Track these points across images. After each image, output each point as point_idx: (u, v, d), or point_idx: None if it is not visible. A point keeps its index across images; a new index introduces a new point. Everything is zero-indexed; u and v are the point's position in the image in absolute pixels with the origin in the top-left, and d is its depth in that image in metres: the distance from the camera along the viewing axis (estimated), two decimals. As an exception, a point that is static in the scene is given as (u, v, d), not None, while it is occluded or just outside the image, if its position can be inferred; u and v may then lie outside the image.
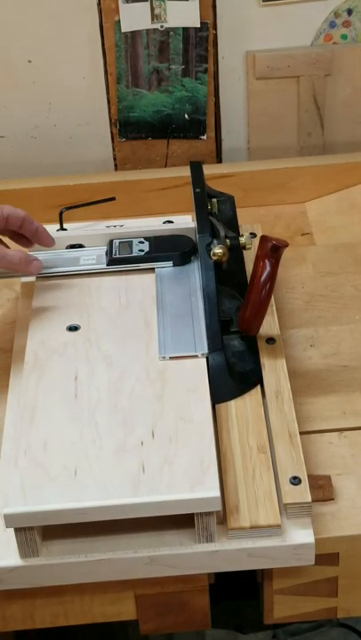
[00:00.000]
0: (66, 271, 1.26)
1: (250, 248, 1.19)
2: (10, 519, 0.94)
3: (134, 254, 1.26)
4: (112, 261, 1.26)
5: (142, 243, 1.28)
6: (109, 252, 1.27)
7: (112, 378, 1.09)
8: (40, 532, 0.97)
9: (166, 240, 1.29)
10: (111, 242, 1.28)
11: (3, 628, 1.05)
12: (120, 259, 1.26)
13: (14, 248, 1.24)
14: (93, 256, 1.28)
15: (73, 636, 1.45)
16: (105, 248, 1.28)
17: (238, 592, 1.09)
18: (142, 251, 1.27)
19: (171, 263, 1.26)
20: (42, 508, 0.94)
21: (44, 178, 1.53)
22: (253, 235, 1.33)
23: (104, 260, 1.27)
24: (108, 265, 1.26)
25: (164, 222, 1.35)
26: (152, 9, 1.46)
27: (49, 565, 0.97)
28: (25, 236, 1.24)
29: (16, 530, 0.95)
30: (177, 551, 0.97)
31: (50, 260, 1.26)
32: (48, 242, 1.25)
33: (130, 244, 1.28)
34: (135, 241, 1.28)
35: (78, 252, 1.29)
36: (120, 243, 1.28)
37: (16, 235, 1.24)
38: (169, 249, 1.27)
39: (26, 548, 0.96)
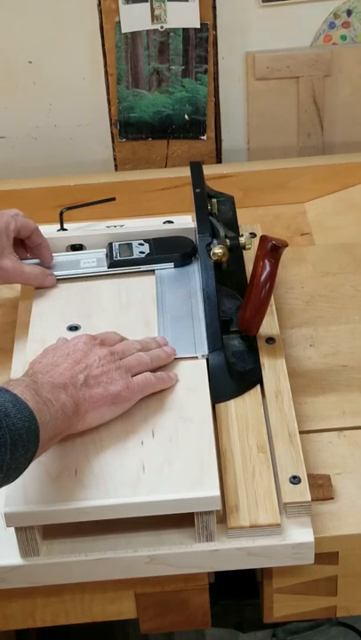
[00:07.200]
0: (66, 274, 1.26)
1: (250, 248, 1.19)
2: (10, 518, 0.94)
3: (135, 256, 1.26)
4: (113, 264, 1.26)
5: (142, 245, 1.28)
6: (110, 255, 1.27)
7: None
8: (40, 532, 0.97)
9: (166, 241, 1.29)
10: (111, 244, 1.28)
11: (3, 626, 1.06)
12: (121, 261, 1.26)
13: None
14: (94, 259, 1.28)
15: (73, 635, 1.45)
16: (105, 250, 1.29)
17: (238, 591, 1.09)
18: (143, 253, 1.27)
19: (172, 265, 1.26)
20: (42, 507, 0.94)
21: (45, 178, 1.54)
22: (253, 235, 1.33)
23: (104, 262, 1.27)
24: (109, 267, 1.26)
25: (164, 222, 1.35)
26: (152, 10, 1.46)
27: (49, 564, 0.97)
28: (27, 245, 1.26)
29: (16, 529, 0.95)
30: (177, 550, 0.97)
31: (50, 264, 1.27)
32: (48, 258, 1.27)
33: (130, 246, 1.28)
34: (135, 243, 1.28)
35: (78, 255, 1.29)
36: (120, 245, 1.28)
37: (17, 242, 1.25)
38: (169, 250, 1.27)
39: (26, 547, 0.96)
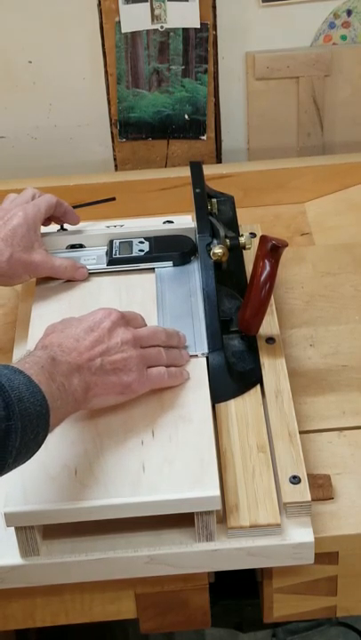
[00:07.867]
0: None
1: (250, 248, 1.19)
2: (10, 518, 0.94)
3: (134, 254, 1.27)
4: (112, 261, 1.26)
5: (142, 243, 1.28)
6: (109, 252, 1.27)
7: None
8: (40, 531, 0.97)
9: (166, 240, 1.29)
10: (111, 242, 1.29)
11: (3, 626, 1.05)
12: (120, 259, 1.26)
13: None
14: (94, 256, 1.28)
15: (73, 635, 1.45)
16: (105, 248, 1.29)
17: (238, 591, 1.09)
18: (142, 251, 1.27)
19: (171, 263, 1.26)
20: (42, 507, 0.94)
21: (45, 178, 1.54)
22: (253, 235, 1.33)
23: (104, 260, 1.27)
24: (108, 265, 1.26)
25: (164, 222, 1.35)
26: (152, 10, 1.46)
27: (49, 564, 0.97)
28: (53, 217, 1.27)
29: (16, 529, 0.95)
30: (177, 550, 0.97)
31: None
32: (75, 220, 1.29)
33: (130, 244, 1.28)
34: (135, 241, 1.29)
35: (79, 252, 1.29)
36: (120, 243, 1.28)
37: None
38: (169, 249, 1.27)
39: (26, 547, 0.96)
